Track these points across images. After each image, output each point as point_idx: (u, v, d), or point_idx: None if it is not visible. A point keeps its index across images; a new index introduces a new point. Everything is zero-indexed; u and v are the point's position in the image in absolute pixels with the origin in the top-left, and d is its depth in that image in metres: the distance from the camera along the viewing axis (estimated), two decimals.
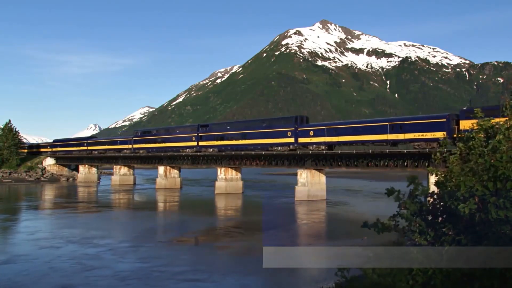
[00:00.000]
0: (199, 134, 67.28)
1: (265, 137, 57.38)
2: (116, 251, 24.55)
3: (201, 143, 66.73)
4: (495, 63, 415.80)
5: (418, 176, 5.53)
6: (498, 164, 4.53)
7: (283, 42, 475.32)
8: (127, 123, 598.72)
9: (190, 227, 34.83)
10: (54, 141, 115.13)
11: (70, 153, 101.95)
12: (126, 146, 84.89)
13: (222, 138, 63.67)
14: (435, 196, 5.29)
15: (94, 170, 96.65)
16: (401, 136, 43.51)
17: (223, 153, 62.11)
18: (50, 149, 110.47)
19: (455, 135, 35.94)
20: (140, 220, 39.58)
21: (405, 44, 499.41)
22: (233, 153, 61.52)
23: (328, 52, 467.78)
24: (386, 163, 45.74)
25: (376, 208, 43.86)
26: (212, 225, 36.82)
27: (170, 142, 74.41)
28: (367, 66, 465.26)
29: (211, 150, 65.12)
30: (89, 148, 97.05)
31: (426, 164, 40.70)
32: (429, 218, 5.22)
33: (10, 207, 49.68)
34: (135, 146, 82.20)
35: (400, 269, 4.99)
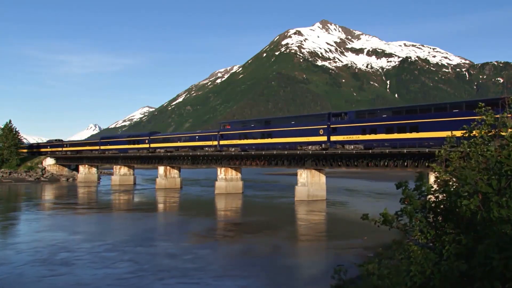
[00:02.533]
0: (331, 126, 51.01)
1: (453, 128, 34.60)
2: (95, 256, 23.63)
3: (334, 138, 50.50)
4: (495, 63, 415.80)
5: (425, 174, 5.49)
6: (505, 161, 4.47)
7: (283, 42, 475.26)
8: (127, 123, 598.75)
9: (186, 229, 34.45)
10: (102, 138, 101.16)
11: (125, 151, 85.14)
12: (209, 143, 67.64)
13: (373, 130, 46.86)
14: (437, 194, 5.25)
15: (94, 170, 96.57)
16: None
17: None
18: (97, 147, 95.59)
19: None
20: (135, 221, 38.86)
21: (405, 44, 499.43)
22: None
23: (328, 52, 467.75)
24: (386, 163, 45.68)
25: (376, 208, 43.63)
26: (210, 227, 36.68)
27: (280, 136, 56.74)
28: (367, 66, 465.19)
29: (351, 147, 48.72)
30: (153, 145, 79.53)
31: (426, 164, 40.62)
32: (431, 216, 5.18)
33: (5, 208, 49.13)
34: (223, 142, 64.94)
35: (398, 270, 4.95)
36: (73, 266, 21.50)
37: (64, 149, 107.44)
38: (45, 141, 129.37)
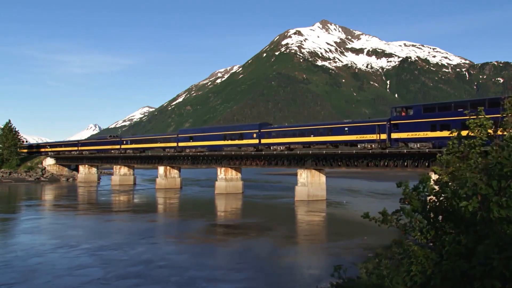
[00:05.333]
0: None
1: None
2: (66, 262, 22.81)
3: None
4: (495, 63, 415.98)
5: (429, 176, 5.48)
6: (505, 162, 4.48)
7: (283, 42, 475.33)
8: (127, 123, 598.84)
9: (181, 230, 34.14)
10: (181, 132, 78.23)
11: (219, 149, 65.77)
12: (369, 137, 46.57)
13: None
14: (437, 194, 5.26)
15: (94, 170, 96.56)
16: None
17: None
18: (174, 144, 74.09)
19: None
20: (127, 223, 37.85)
21: (405, 44, 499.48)
22: (233, 153, 60.52)
23: (328, 52, 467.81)
24: (386, 163, 45.71)
25: (376, 208, 43.60)
26: (207, 228, 36.56)
27: None
28: (367, 66, 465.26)
29: None
30: (265, 141, 59.50)
31: (426, 164, 40.66)
32: (431, 216, 5.19)
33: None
34: (397, 135, 43.79)
35: (398, 269, 4.96)
36: (36, 273, 20.61)
37: (123, 146, 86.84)
38: (45, 141, 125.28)
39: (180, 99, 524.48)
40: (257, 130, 60.80)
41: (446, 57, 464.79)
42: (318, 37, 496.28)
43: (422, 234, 5.07)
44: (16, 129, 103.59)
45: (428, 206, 5.10)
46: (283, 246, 27.59)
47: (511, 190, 4.40)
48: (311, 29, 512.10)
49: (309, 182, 52.81)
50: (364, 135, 47.51)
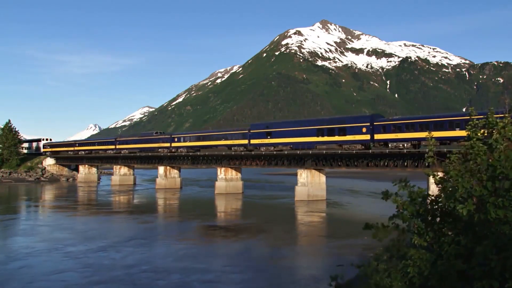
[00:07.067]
0: None
1: None
2: (47, 265, 22.33)
3: None
4: (495, 63, 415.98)
5: (407, 177, 5.49)
6: (496, 163, 4.51)
7: (283, 42, 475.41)
8: (127, 123, 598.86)
9: (177, 231, 34.01)
10: (254, 127, 62.44)
11: (308, 147, 53.33)
12: None
13: None
14: (433, 197, 5.27)
15: (94, 170, 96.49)
16: None
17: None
18: (261, 141, 58.32)
19: None
20: (120, 224, 37.38)
21: (405, 44, 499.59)
22: (233, 153, 60.64)
23: (328, 52, 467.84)
24: (386, 163, 45.70)
25: (376, 208, 43.85)
26: (204, 228, 36.58)
27: None
28: (367, 66, 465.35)
29: None
30: (380, 136, 46.80)
31: (426, 164, 40.54)
32: (428, 218, 5.19)
33: None
34: None
35: (397, 270, 4.97)
36: (11, 279, 20.00)
37: (174, 144, 74.49)
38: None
39: (180, 99, 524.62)
40: (369, 123, 48.38)
41: (446, 57, 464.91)
42: (318, 37, 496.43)
43: (421, 237, 5.07)
44: (16, 129, 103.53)
45: (421, 211, 5.11)
46: (283, 247, 27.57)
47: (506, 190, 4.40)
48: (311, 29, 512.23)
49: (309, 182, 52.80)
50: None
